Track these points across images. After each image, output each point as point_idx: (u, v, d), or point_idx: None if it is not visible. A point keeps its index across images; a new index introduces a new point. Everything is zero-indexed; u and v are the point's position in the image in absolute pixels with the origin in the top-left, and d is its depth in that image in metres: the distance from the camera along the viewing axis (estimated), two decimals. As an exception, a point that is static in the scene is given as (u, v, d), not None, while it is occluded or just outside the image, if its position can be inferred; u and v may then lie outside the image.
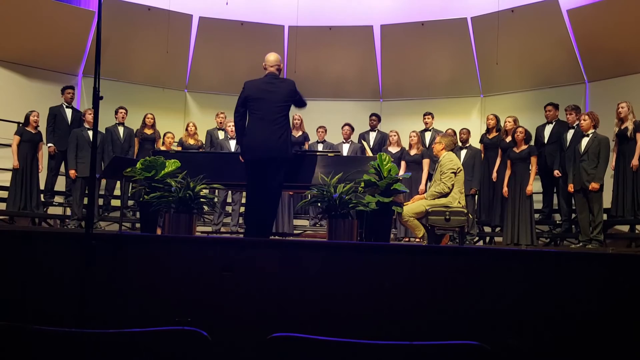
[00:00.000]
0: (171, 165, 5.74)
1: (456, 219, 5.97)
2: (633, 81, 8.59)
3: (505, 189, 7.87)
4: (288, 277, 3.62)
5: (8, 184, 8.37)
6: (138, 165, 5.75)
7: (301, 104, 5.60)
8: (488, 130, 8.71)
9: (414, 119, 9.88)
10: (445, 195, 6.11)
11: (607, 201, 7.44)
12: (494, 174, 8.30)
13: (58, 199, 9.23)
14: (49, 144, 8.69)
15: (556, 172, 7.89)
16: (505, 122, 8.35)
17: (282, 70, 5.62)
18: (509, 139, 8.14)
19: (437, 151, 6.48)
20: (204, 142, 9.37)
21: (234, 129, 8.69)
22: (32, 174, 8.34)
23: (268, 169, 5.31)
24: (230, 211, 9.19)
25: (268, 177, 5.32)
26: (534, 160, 7.71)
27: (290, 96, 5.39)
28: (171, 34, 10.28)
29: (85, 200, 8.32)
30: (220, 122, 9.35)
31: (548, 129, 8.22)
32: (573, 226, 7.95)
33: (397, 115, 10.76)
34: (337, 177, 5.43)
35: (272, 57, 5.54)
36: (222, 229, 9.16)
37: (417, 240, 6.62)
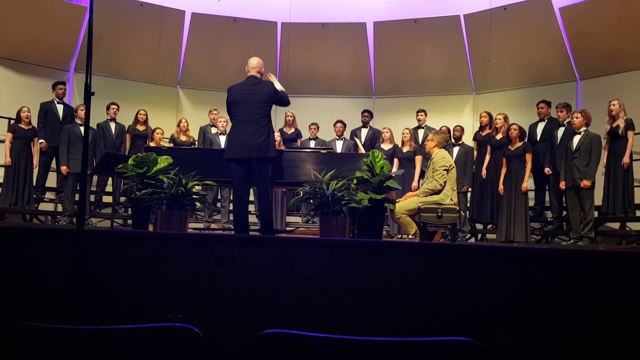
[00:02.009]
0: (163, 161, 5.72)
1: (448, 216, 5.98)
2: (625, 79, 8.64)
3: (501, 186, 7.88)
4: (280, 274, 3.62)
5: (1, 180, 8.32)
6: (130, 161, 5.72)
7: (282, 102, 5.72)
8: (481, 128, 8.73)
9: (406, 116, 9.90)
10: (438, 192, 6.12)
11: (598, 199, 7.48)
12: (484, 171, 8.32)
13: (49, 195, 9.19)
14: (41, 140, 8.64)
15: (547, 170, 7.93)
16: (495, 119, 8.37)
17: (264, 73, 5.71)
18: (499, 136, 8.16)
19: (430, 148, 6.49)
20: (196, 139, 9.35)
21: (225, 125, 8.78)
22: (25, 170, 8.29)
23: (252, 169, 5.45)
24: (220, 207, 9.18)
25: (255, 176, 5.48)
26: (529, 157, 7.72)
27: (270, 97, 5.52)
28: (163, 30, 10.24)
29: (77, 197, 8.29)
30: (214, 119, 9.34)
31: (540, 127, 8.25)
32: (564, 223, 7.99)
33: (390, 112, 10.76)
34: (329, 174, 5.45)
35: (254, 61, 5.68)
36: (213, 226, 9.15)
37: (410, 237, 6.63)
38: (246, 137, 5.38)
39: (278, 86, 5.73)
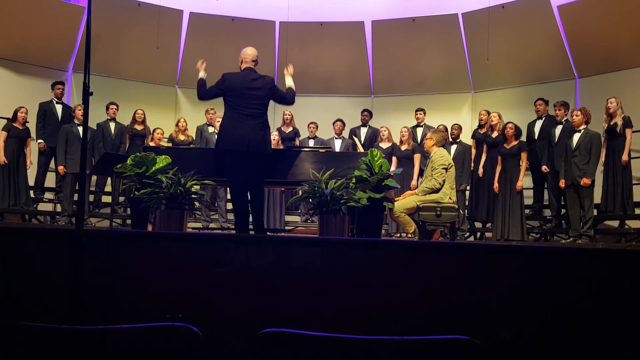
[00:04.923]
0: (162, 161, 5.71)
1: (447, 214, 5.98)
2: (623, 77, 8.64)
3: (496, 184, 7.89)
4: (279, 273, 3.62)
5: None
6: (128, 161, 5.72)
7: (284, 101, 5.70)
8: (480, 126, 8.72)
9: (405, 115, 9.90)
10: (436, 190, 6.12)
11: (597, 197, 7.48)
12: (480, 170, 8.32)
13: (48, 195, 9.18)
14: (39, 140, 8.63)
15: (544, 168, 7.93)
16: (490, 117, 8.37)
17: (259, 64, 5.65)
18: (495, 134, 8.17)
19: (428, 147, 6.49)
20: (194, 138, 9.35)
21: (219, 122, 8.74)
22: (19, 170, 8.29)
23: (251, 164, 5.39)
24: (216, 207, 9.17)
25: (252, 172, 5.41)
26: (524, 156, 7.72)
27: (270, 93, 5.50)
28: (161, 30, 10.23)
29: (76, 197, 8.28)
30: (211, 119, 9.34)
31: (538, 125, 8.24)
32: (563, 222, 7.99)
33: (388, 111, 10.76)
34: (328, 173, 5.44)
35: (250, 51, 5.61)
36: (212, 225, 9.14)
37: (408, 235, 6.64)
38: (247, 131, 5.32)
39: (289, 82, 5.70)
